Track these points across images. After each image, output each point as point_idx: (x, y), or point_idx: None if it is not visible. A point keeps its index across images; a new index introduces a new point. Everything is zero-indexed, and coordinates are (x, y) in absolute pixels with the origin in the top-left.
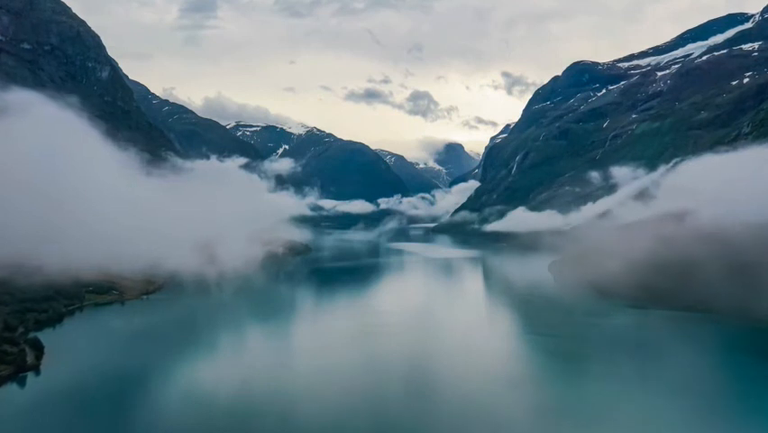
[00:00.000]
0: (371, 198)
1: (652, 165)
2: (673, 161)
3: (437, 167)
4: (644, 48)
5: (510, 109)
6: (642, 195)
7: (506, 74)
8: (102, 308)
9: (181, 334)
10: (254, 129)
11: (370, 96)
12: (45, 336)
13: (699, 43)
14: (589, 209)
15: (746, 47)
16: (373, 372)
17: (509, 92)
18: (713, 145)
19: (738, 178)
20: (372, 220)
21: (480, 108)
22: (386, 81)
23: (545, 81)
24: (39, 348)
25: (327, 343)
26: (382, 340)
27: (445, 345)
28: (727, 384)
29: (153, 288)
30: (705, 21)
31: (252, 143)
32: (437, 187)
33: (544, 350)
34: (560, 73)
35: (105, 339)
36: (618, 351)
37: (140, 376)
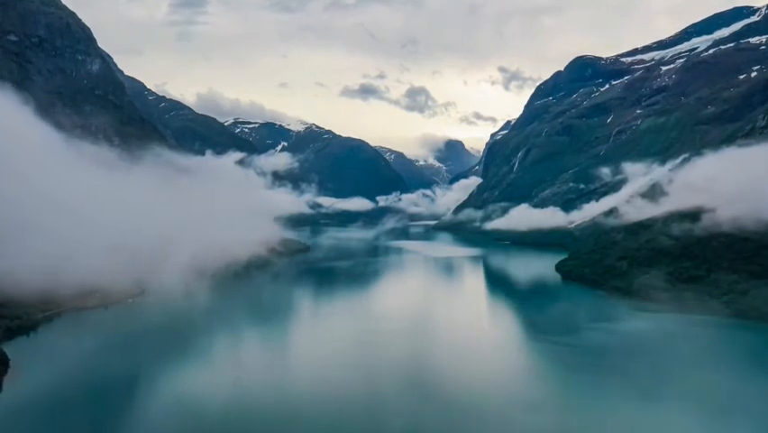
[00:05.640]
0: (371, 196)
1: (658, 161)
2: (682, 156)
3: (437, 164)
4: (640, 41)
5: (509, 105)
6: (652, 192)
7: (502, 69)
8: (84, 313)
9: (166, 341)
10: (252, 126)
11: (366, 91)
12: (15, 347)
13: (705, 37)
14: (594, 207)
15: (753, 40)
16: (371, 384)
17: (507, 87)
18: (726, 140)
19: (759, 175)
20: (372, 218)
21: (478, 104)
22: (381, 77)
23: (542, 76)
24: (3, 361)
25: (321, 351)
26: (381, 348)
27: (450, 355)
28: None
29: (139, 291)
30: (703, 15)
31: (251, 140)
32: (437, 184)
33: (555, 359)
34: (557, 67)
35: (81, 348)
36: (634, 360)
37: (117, 392)
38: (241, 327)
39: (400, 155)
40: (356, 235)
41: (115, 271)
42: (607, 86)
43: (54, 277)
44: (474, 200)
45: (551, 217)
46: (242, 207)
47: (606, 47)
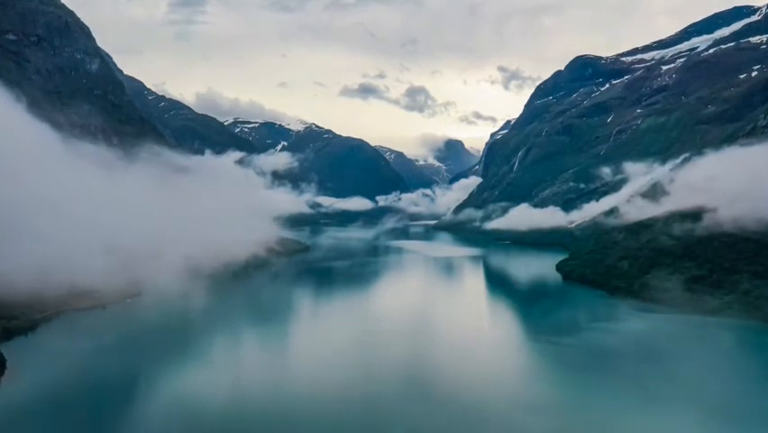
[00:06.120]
0: (370, 195)
1: (659, 160)
2: (682, 156)
3: (437, 163)
4: (641, 41)
5: (509, 104)
6: (652, 191)
7: (502, 68)
8: (82, 313)
9: (164, 342)
10: (252, 125)
11: (365, 91)
12: (13, 347)
13: (705, 37)
14: (595, 206)
15: (754, 39)
16: (371, 384)
17: (506, 87)
18: (727, 139)
19: (760, 174)
20: (372, 218)
21: (477, 104)
22: (381, 76)
23: (542, 75)
24: (0, 362)
25: (320, 351)
26: (381, 349)
27: (451, 356)
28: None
29: (137, 291)
30: (704, 14)
31: (250, 140)
32: (437, 183)
33: (556, 360)
34: (557, 67)
35: (79, 349)
36: (636, 360)
37: (116, 393)
38: (239, 327)
39: (400, 155)
40: (356, 235)
41: (113, 272)
42: (607, 85)
43: (51, 278)
44: (474, 200)
45: (551, 217)
46: (242, 207)
47: (606, 46)
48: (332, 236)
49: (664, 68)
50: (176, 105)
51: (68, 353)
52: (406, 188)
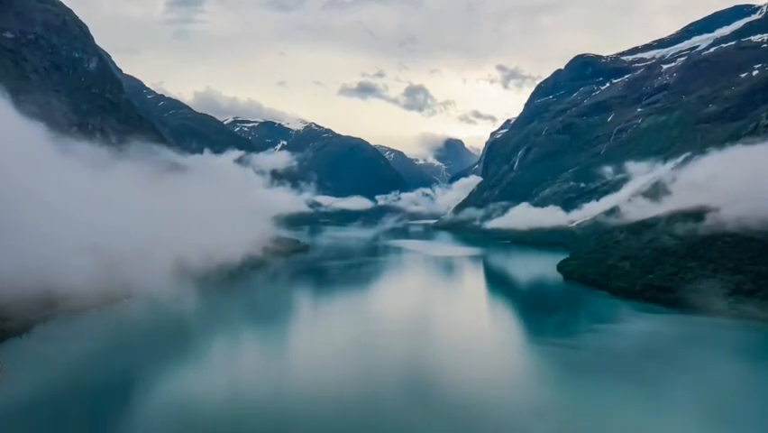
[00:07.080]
0: (370, 195)
1: (660, 160)
2: (683, 155)
3: (437, 163)
4: (641, 40)
5: (508, 103)
6: (654, 191)
7: (501, 67)
8: (78, 314)
9: (160, 343)
10: (252, 124)
11: (365, 90)
12: (7, 349)
13: (705, 35)
14: (595, 206)
15: (755, 38)
16: (370, 386)
17: (505, 86)
18: (730, 138)
19: (762, 174)
20: (371, 217)
21: (477, 102)
22: (380, 75)
23: (541, 74)
24: None
25: (319, 352)
26: (381, 350)
27: (452, 358)
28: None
29: (134, 292)
30: (704, 13)
31: (250, 139)
32: (437, 183)
33: (559, 362)
34: (556, 66)
35: (75, 350)
36: (640, 362)
37: (111, 396)
38: (235, 328)
39: (400, 154)
40: (355, 235)
41: (108, 272)
42: (607, 84)
43: (46, 278)
44: (474, 199)
45: (551, 216)
46: (240, 206)
47: (606, 45)
48: (331, 236)
49: (665, 66)
50: (174, 104)
51: (63, 354)
52: (406, 187)
